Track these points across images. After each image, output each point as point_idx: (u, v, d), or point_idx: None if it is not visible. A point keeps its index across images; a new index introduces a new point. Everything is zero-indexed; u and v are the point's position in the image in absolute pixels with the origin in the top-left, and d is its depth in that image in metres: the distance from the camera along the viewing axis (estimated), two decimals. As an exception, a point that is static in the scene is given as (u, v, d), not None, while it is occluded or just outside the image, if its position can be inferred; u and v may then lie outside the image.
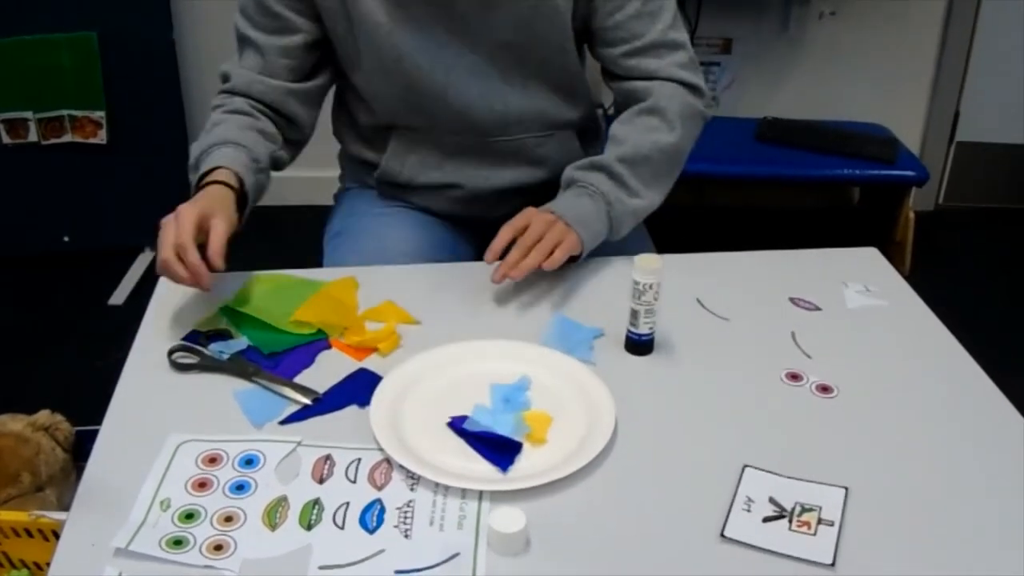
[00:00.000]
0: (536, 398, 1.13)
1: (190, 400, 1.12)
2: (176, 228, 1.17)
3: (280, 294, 1.30)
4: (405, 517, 0.96)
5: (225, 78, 1.44)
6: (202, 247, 1.18)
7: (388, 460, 1.03)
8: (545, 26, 1.41)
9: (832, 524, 0.96)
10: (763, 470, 1.03)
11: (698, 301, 1.34)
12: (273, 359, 1.19)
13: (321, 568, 0.91)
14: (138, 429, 1.07)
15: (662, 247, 1.47)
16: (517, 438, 1.06)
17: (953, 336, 1.28)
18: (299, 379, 1.16)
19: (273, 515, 0.96)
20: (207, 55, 2.98)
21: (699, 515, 0.97)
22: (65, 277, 2.89)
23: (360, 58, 1.42)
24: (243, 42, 1.43)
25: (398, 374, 1.15)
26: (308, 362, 1.19)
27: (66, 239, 2.93)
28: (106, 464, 1.03)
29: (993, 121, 3.28)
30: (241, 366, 1.17)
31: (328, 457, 1.04)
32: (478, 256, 1.58)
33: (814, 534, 0.95)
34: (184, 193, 1.28)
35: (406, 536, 0.94)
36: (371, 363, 1.19)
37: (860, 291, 1.37)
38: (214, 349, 1.20)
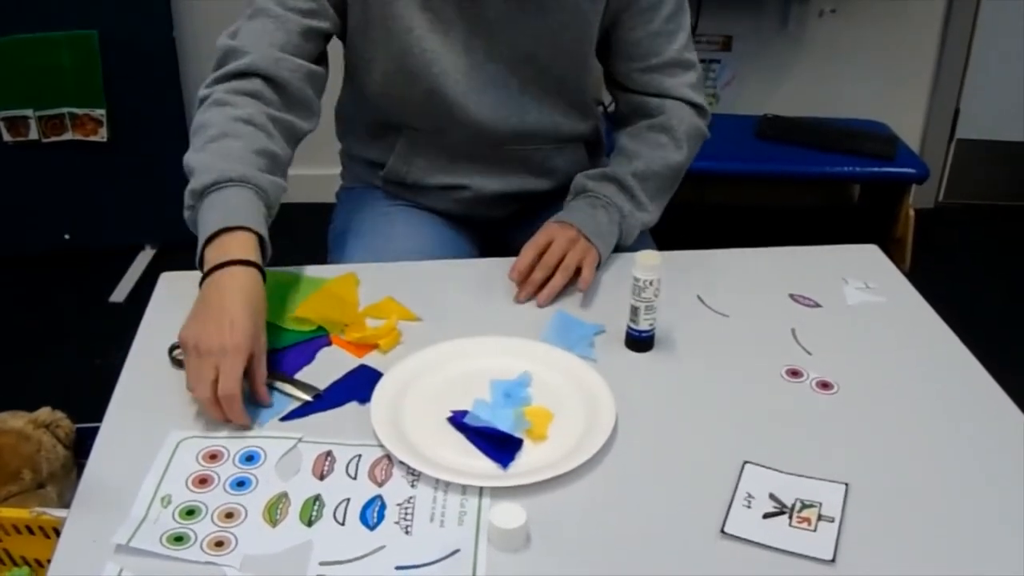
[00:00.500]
0: (537, 394, 1.13)
1: (190, 397, 1.12)
2: (224, 378, 1.04)
3: (281, 291, 1.30)
4: (406, 513, 0.96)
5: (235, 53, 1.30)
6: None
7: (388, 456, 1.03)
8: (573, 40, 1.41)
9: (832, 520, 0.97)
10: (763, 466, 1.03)
11: (698, 298, 1.34)
12: (274, 356, 1.19)
13: (322, 564, 0.91)
14: (139, 426, 1.07)
15: (662, 244, 1.47)
16: (517, 434, 1.06)
17: (953, 332, 1.28)
18: (300, 376, 1.16)
19: (274, 511, 0.97)
20: (207, 53, 2.94)
21: (699, 511, 0.98)
22: (65, 274, 2.90)
23: (377, 58, 1.40)
24: (261, 14, 1.31)
25: (399, 370, 1.15)
26: (309, 359, 1.19)
27: (67, 237, 2.93)
28: (107, 461, 1.03)
29: (993, 118, 3.28)
30: (242, 363, 1.17)
31: (329, 453, 1.04)
32: (479, 253, 1.58)
33: (814, 530, 0.96)
34: (183, 191, 1.25)
35: (407, 532, 0.94)
36: (372, 360, 1.19)
37: (860, 288, 1.37)
38: (215, 346, 1.20)
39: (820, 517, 0.97)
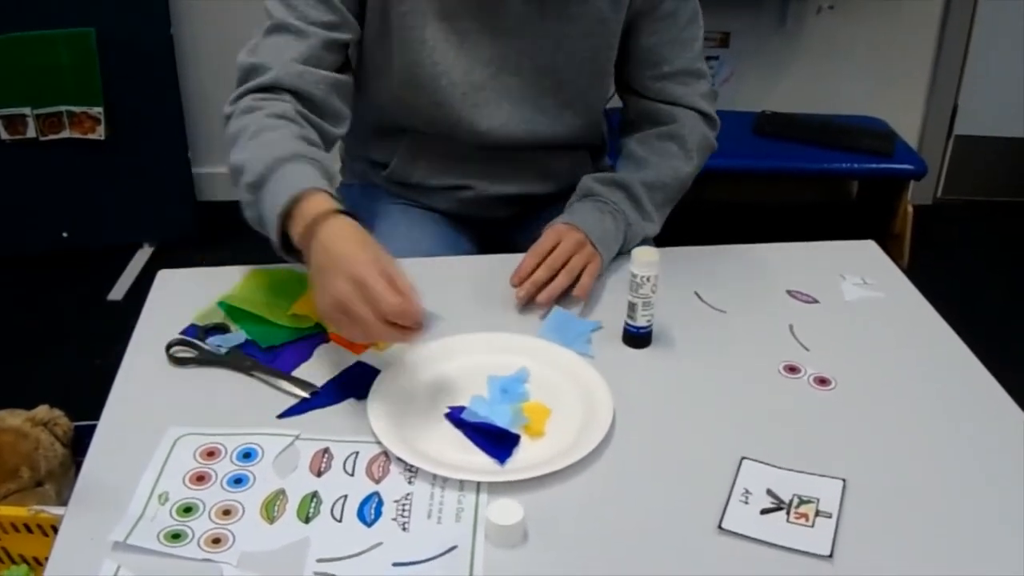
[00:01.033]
0: (534, 390, 1.13)
1: (188, 394, 1.12)
2: (380, 301, 0.99)
3: (278, 288, 1.30)
4: (403, 510, 0.96)
5: (256, 69, 1.28)
6: None
7: (386, 453, 1.03)
8: (593, 49, 1.40)
9: (830, 516, 0.97)
10: (761, 462, 1.03)
11: (696, 294, 1.34)
12: (271, 353, 1.19)
13: (319, 561, 0.91)
14: (136, 423, 1.07)
15: (660, 240, 1.47)
16: (515, 430, 1.06)
17: (951, 328, 1.28)
18: (297, 373, 1.16)
19: (271, 508, 0.97)
20: (205, 51, 2.98)
21: (697, 507, 0.98)
22: (63, 272, 2.89)
23: (389, 67, 1.39)
24: (280, 30, 1.28)
25: (396, 367, 1.15)
26: (306, 356, 1.19)
27: (65, 235, 2.93)
28: (105, 459, 1.03)
29: (991, 115, 3.28)
30: (239, 360, 1.17)
31: (326, 450, 1.04)
32: (478, 252, 1.58)
33: (812, 526, 0.96)
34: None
35: (404, 529, 0.94)
36: (369, 356, 1.19)
37: (858, 284, 1.37)
38: (212, 343, 1.20)
39: (818, 513, 0.97)
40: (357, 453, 1.04)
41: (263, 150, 1.17)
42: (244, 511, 0.96)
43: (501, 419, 1.07)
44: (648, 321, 1.21)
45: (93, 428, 1.07)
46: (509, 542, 0.92)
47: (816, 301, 1.33)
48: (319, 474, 1.01)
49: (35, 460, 1.65)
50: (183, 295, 1.30)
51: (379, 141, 1.54)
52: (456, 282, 1.35)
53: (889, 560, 0.92)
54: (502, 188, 1.53)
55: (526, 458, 1.03)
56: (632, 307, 1.20)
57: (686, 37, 1.43)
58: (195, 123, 3.03)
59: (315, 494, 0.98)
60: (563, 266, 1.29)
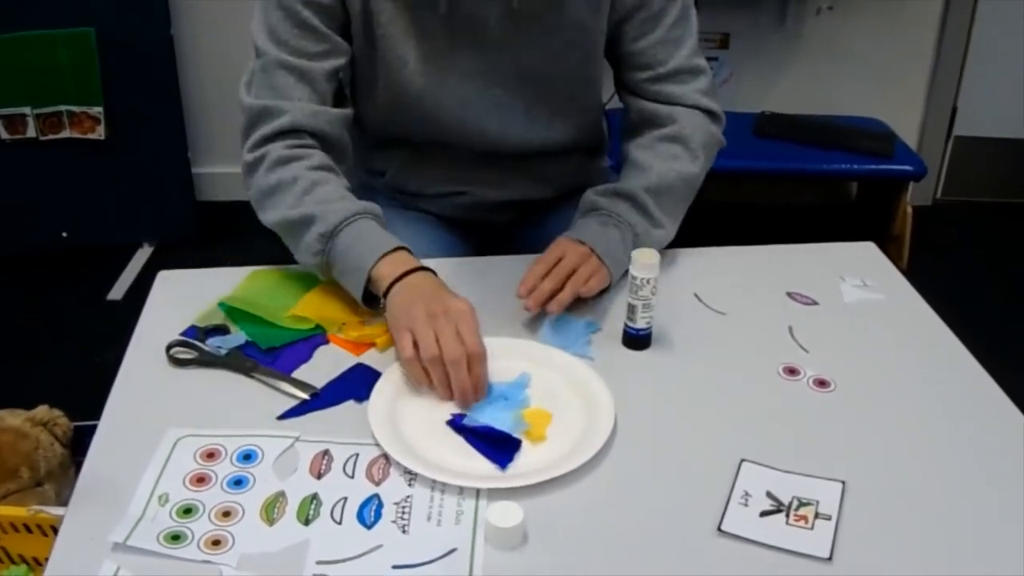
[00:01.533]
0: (535, 395, 1.13)
1: (188, 395, 1.12)
2: (468, 336, 1.11)
3: (278, 289, 1.30)
4: (403, 512, 0.96)
5: (269, 113, 1.29)
6: None
7: (386, 455, 1.03)
8: (577, 57, 1.39)
9: (829, 518, 0.97)
10: (760, 464, 1.03)
11: (695, 296, 1.34)
12: (271, 354, 1.19)
13: (319, 563, 0.91)
14: (136, 424, 1.07)
15: (660, 242, 1.47)
16: (516, 435, 1.06)
17: (950, 330, 1.28)
18: (297, 374, 1.16)
19: (271, 510, 0.97)
20: (205, 51, 2.98)
21: (696, 509, 0.98)
22: (63, 272, 2.89)
23: (376, 87, 1.39)
24: (277, 67, 1.29)
25: (396, 369, 1.15)
26: (306, 357, 1.20)
27: (65, 235, 2.93)
28: (104, 459, 1.03)
29: (991, 116, 3.27)
30: (239, 361, 1.17)
31: (326, 452, 1.04)
32: (476, 254, 1.58)
33: (811, 528, 0.96)
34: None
35: (404, 531, 0.94)
36: (369, 358, 1.19)
37: (857, 285, 1.37)
38: (212, 344, 1.20)
39: (817, 515, 0.97)
40: (357, 455, 1.04)
41: (326, 205, 1.25)
42: (244, 513, 0.96)
43: (502, 426, 1.07)
44: (648, 323, 1.21)
45: (93, 428, 1.07)
46: (509, 544, 0.92)
47: (816, 303, 1.33)
48: (319, 476, 1.01)
49: (35, 460, 1.65)
50: (183, 296, 1.30)
51: (376, 152, 1.54)
52: (455, 284, 1.34)
53: (888, 562, 0.92)
54: (500, 194, 1.53)
55: (527, 463, 1.03)
56: (632, 309, 1.20)
57: (676, 36, 1.40)
58: (195, 123, 3.03)
59: (315, 496, 0.98)
60: (568, 277, 1.27)
